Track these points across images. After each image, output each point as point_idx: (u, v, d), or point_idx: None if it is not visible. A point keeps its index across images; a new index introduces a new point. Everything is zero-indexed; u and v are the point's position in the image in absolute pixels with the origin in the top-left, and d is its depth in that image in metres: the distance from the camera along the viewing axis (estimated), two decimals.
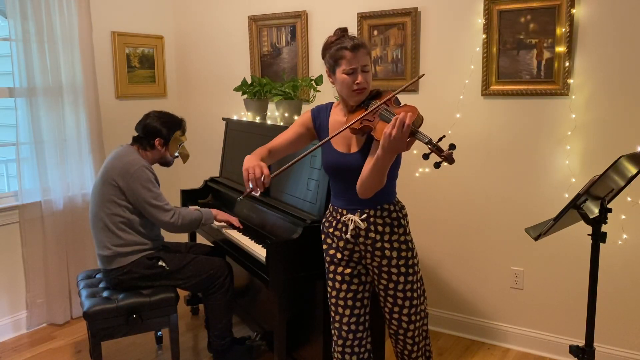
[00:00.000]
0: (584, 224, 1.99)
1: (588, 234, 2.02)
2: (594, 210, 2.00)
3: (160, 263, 2.76)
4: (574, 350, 2.09)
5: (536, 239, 2.05)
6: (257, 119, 3.36)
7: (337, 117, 2.09)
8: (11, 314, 3.41)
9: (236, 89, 3.44)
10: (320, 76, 3.27)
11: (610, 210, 1.99)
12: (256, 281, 3.29)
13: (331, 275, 2.14)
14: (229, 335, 2.92)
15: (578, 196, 1.90)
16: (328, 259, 2.15)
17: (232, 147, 3.56)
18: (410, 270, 2.07)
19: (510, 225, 3.08)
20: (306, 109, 3.42)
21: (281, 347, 2.50)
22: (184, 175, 4.25)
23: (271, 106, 3.47)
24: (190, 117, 4.26)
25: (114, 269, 2.71)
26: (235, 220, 2.96)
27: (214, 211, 2.94)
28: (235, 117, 3.62)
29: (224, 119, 3.70)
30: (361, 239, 2.05)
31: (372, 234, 2.03)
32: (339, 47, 1.95)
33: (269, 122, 3.27)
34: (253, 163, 1.99)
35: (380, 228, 2.03)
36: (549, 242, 2.92)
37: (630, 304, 2.82)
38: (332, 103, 2.16)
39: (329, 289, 2.17)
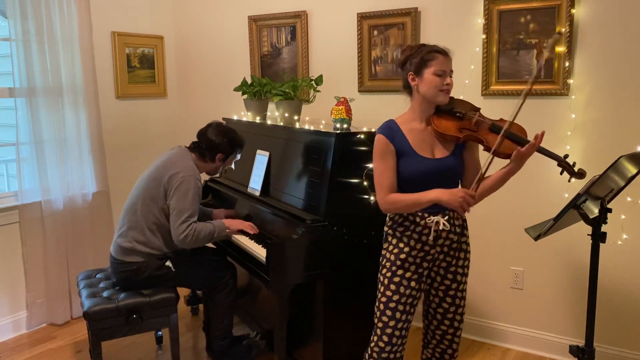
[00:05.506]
0: (584, 224, 2.00)
1: (588, 234, 2.02)
2: (594, 210, 2.00)
3: (167, 263, 2.76)
4: (574, 350, 2.10)
5: (536, 239, 2.05)
6: (257, 119, 3.36)
7: (412, 126, 2.07)
8: (11, 314, 3.41)
9: (236, 89, 3.44)
10: (320, 76, 3.27)
11: (610, 210, 1.99)
12: (256, 281, 3.28)
13: (397, 279, 2.07)
14: (230, 335, 2.92)
15: (578, 196, 1.90)
16: (399, 262, 2.07)
17: None
18: (467, 271, 2.16)
19: (510, 226, 3.08)
20: (306, 109, 3.46)
21: (281, 347, 2.50)
22: None
23: (271, 106, 3.47)
24: (190, 117, 4.27)
25: (125, 262, 2.70)
26: (249, 228, 2.81)
27: (227, 222, 2.83)
28: (235, 117, 3.62)
29: (224, 119, 3.69)
30: (441, 241, 2.07)
31: (452, 235, 2.07)
32: (430, 49, 2.02)
33: (269, 122, 3.27)
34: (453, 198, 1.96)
35: (458, 229, 2.09)
36: (549, 242, 2.91)
37: (630, 304, 2.82)
38: (392, 120, 2.11)
39: (388, 293, 2.08)
